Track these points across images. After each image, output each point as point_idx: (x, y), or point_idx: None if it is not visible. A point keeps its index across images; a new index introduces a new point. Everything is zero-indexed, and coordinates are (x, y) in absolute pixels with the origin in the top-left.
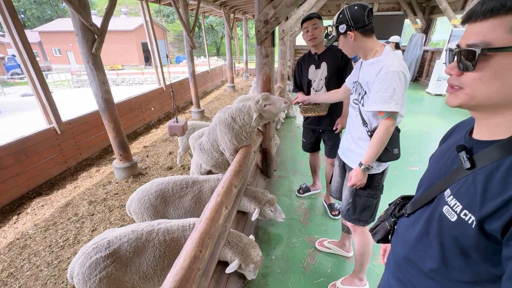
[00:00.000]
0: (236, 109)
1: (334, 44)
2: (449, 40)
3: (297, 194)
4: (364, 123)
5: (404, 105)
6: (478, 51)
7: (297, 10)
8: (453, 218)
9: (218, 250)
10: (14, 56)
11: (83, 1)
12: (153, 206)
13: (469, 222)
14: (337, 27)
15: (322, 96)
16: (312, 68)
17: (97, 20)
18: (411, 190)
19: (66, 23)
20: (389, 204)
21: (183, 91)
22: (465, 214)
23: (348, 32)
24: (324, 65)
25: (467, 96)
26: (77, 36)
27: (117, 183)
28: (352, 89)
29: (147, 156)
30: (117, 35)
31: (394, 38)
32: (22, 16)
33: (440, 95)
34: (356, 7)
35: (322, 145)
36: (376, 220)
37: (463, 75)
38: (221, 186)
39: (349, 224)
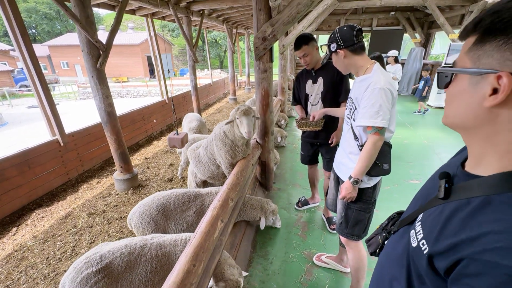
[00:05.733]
0: (227, 124)
1: (330, 59)
2: (447, 54)
3: (296, 207)
4: (356, 137)
5: (393, 121)
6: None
7: (297, 26)
8: (414, 243)
9: (213, 264)
10: (22, 69)
11: (89, 19)
12: (154, 220)
13: (424, 252)
14: (329, 46)
15: (335, 110)
16: (309, 82)
17: (104, 35)
18: None
19: (74, 38)
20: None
21: (186, 103)
22: (423, 244)
23: (339, 50)
24: (320, 80)
25: (444, 114)
26: (83, 51)
27: (117, 194)
28: (346, 105)
29: (148, 167)
30: (124, 49)
31: (392, 53)
32: (33, 31)
33: (441, 107)
34: (345, 28)
35: (320, 158)
36: (371, 233)
37: None
38: (217, 199)
39: (342, 239)
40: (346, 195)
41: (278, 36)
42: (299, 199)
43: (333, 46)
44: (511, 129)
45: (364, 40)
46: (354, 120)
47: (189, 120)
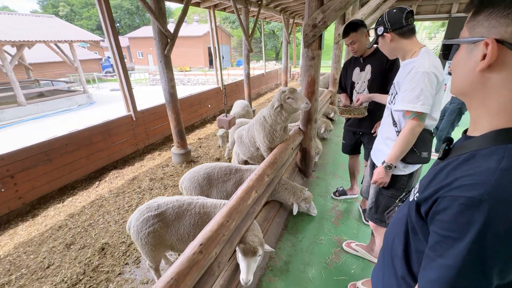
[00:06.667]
0: (266, 108)
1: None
2: None
3: (333, 196)
4: (394, 123)
5: (437, 108)
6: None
7: (356, 14)
8: (411, 198)
9: (244, 227)
10: (109, 57)
11: (162, 11)
12: (200, 186)
13: (415, 201)
14: (376, 30)
15: (382, 97)
16: (356, 70)
17: (173, 27)
18: None
19: (148, 30)
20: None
21: (238, 91)
22: (416, 196)
23: (385, 33)
24: (368, 68)
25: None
26: (154, 40)
27: (173, 166)
28: (390, 91)
29: (200, 146)
30: (188, 40)
31: None
32: (118, 24)
33: None
34: (394, 10)
35: (362, 149)
36: None
37: None
38: (254, 173)
39: (371, 224)
40: (377, 179)
41: (328, 23)
42: (337, 188)
43: (380, 30)
44: (499, 92)
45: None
46: (394, 104)
47: (237, 106)
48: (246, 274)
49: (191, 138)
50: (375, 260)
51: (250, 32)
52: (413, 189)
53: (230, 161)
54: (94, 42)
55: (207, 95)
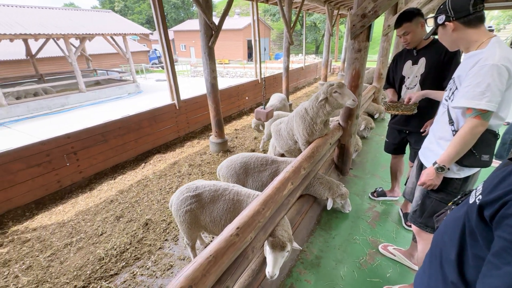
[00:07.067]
0: (309, 100)
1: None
2: None
3: (371, 196)
4: (451, 121)
5: (507, 106)
6: None
7: (410, 2)
8: (471, 200)
9: (278, 217)
10: (155, 49)
11: (209, 3)
12: (237, 174)
13: (477, 204)
14: (435, 18)
15: (438, 93)
16: (408, 63)
17: (215, 20)
18: None
19: (191, 24)
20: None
21: (276, 84)
22: (478, 198)
23: (447, 22)
24: (422, 61)
25: None
26: (200, 32)
27: (210, 154)
28: (448, 86)
29: (236, 137)
30: (228, 33)
31: None
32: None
33: None
34: None
35: (407, 148)
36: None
37: None
38: (291, 166)
39: (414, 229)
40: (426, 181)
41: (379, 13)
42: (376, 189)
43: (441, 18)
44: None
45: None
46: (452, 101)
47: (274, 99)
48: (272, 267)
49: (228, 129)
50: (414, 267)
51: (292, 24)
52: (474, 191)
53: (265, 153)
54: (144, 35)
55: (245, 87)
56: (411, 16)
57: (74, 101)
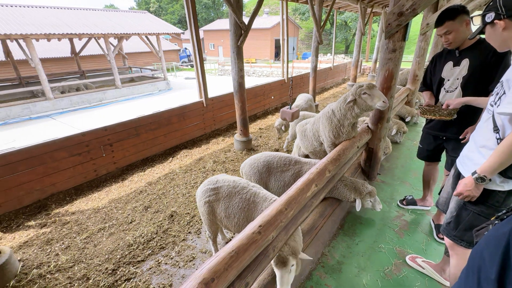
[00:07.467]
0: (337, 101)
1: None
2: None
3: (399, 204)
4: (496, 128)
5: None
6: None
7: (452, 0)
8: None
9: (301, 217)
10: (186, 48)
11: (239, 3)
12: (260, 173)
13: None
14: (483, 16)
15: (482, 100)
16: (449, 65)
17: (245, 19)
18: None
19: (220, 24)
20: None
21: (303, 84)
22: None
23: (497, 21)
24: (465, 62)
25: None
26: (230, 31)
27: (234, 152)
28: (494, 90)
29: (260, 136)
30: (256, 33)
31: None
32: None
33: None
34: None
35: (443, 155)
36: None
37: None
38: (316, 167)
39: (447, 242)
40: (462, 191)
41: (418, 11)
42: (406, 196)
43: (490, 16)
44: None
45: None
46: (498, 107)
47: (300, 99)
48: (279, 285)
49: (252, 128)
50: (445, 282)
51: (322, 23)
52: None
53: (288, 153)
54: (176, 34)
55: (272, 86)
56: (454, 14)
57: (110, 96)
